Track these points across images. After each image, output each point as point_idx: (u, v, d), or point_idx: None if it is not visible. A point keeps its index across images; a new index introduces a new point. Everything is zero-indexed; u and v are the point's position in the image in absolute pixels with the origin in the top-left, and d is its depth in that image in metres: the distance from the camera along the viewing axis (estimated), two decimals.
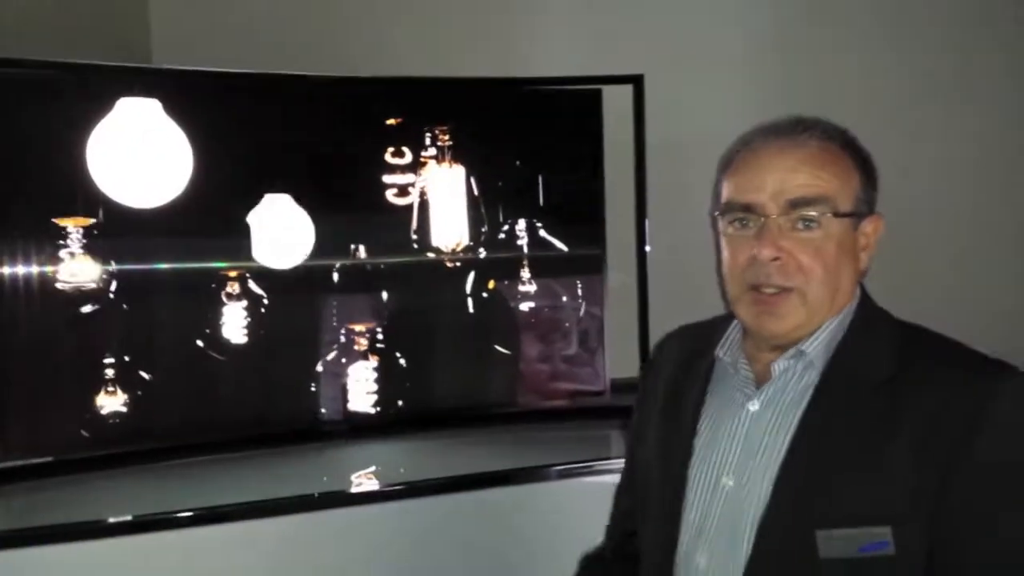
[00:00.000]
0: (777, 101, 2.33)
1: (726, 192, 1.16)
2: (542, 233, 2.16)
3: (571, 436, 2.09)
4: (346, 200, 2.05)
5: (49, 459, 1.80)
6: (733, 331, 1.21)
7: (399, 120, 2.06)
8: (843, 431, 1.04)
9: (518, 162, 2.14)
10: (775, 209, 1.09)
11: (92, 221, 1.82)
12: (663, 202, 2.23)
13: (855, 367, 1.08)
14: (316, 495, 1.73)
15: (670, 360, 1.29)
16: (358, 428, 2.07)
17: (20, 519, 1.66)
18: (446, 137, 2.09)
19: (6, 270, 1.76)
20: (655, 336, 2.09)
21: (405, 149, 2.07)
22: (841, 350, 1.10)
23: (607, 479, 1.73)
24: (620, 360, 2.19)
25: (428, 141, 2.08)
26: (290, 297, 2.00)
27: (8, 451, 1.76)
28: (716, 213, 1.17)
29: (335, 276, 2.04)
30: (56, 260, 1.80)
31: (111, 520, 1.61)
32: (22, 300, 1.77)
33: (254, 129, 1.97)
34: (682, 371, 1.25)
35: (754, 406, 1.11)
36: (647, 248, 2.19)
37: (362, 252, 2.05)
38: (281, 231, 1.98)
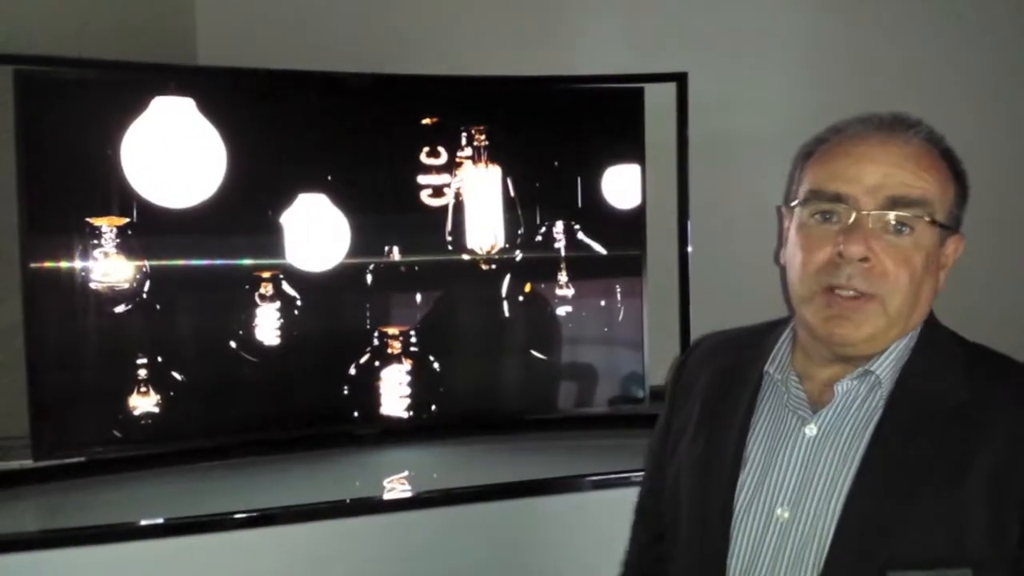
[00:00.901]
0: (822, 99, 2.29)
1: (812, 180, 1.05)
2: (580, 235, 2.10)
3: (609, 444, 2.02)
4: (381, 200, 2.00)
5: (81, 459, 1.78)
6: (783, 344, 1.11)
7: (436, 120, 2.01)
8: (914, 461, 0.95)
9: (556, 162, 2.07)
10: (871, 204, 0.99)
11: (126, 220, 1.79)
12: (706, 203, 2.16)
13: (925, 392, 0.99)
14: (347, 501, 1.69)
15: (707, 369, 1.18)
16: (389, 432, 2.03)
17: (53, 519, 1.65)
18: (483, 137, 2.03)
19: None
20: None
21: (442, 149, 2.02)
22: (909, 372, 1.01)
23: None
24: (660, 366, 2.12)
25: (465, 141, 2.03)
26: (324, 298, 1.96)
27: (45, 450, 1.74)
28: (793, 203, 1.07)
29: (368, 277, 2.00)
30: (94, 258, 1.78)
31: (136, 522, 1.58)
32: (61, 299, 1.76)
33: (291, 128, 1.94)
34: (722, 384, 1.14)
35: (811, 431, 1.02)
36: (689, 249, 2.12)
37: (396, 253, 2.01)
38: (315, 232, 1.94)
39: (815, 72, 2.31)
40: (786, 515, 1.00)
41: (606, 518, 1.71)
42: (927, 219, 1.00)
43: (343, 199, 1.96)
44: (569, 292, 2.11)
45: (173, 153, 1.82)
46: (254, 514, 1.63)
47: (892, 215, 1.00)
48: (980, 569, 0.91)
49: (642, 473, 1.58)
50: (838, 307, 1.01)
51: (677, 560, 1.11)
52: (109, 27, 2.05)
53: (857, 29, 2.30)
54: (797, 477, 1.01)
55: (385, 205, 2.00)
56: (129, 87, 1.80)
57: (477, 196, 2.05)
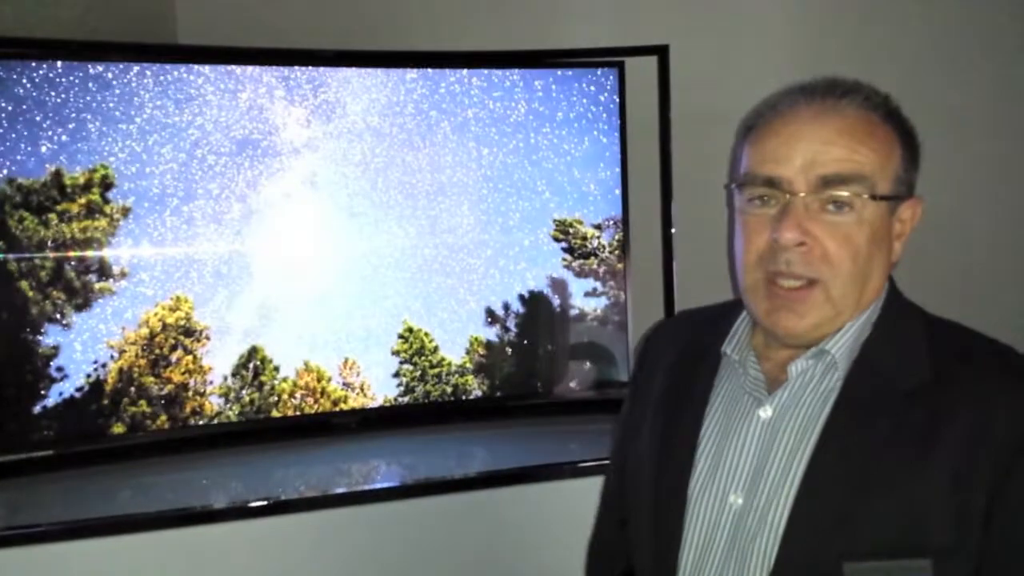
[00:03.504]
0: (810, 71, 2.20)
1: (746, 162, 1.00)
2: (560, 215, 2.04)
3: (593, 429, 1.97)
4: (356, 180, 1.96)
5: (48, 453, 1.75)
6: (741, 324, 1.06)
7: (409, 98, 1.96)
8: (871, 446, 0.89)
9: (534, 140, 2.02)
10: (803, 186, 0.94)
11: (122, 203, 1.78)
12: (690, 182, 2.09)
13: (884, 371, 0.93)
14: (331, 493, 1.67)
15: (669, 349, 1.14)
16: (371, 420, 1.98)
17: (14, 515, 1.62)
18: (460, 115, 1.98)
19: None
20: None
21: (417, 127, 1.97)
22: (867, 351, 0.95)
23: None
24: None
25: (443, 120, 1.98)
26: (312, 283, 1.92)
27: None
28: (733, 185, 1.02)
29: (350, 262, 1.95)
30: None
31: (104, 516, 1.55)
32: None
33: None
34: (682, 365, 1.10)
35: (766, 412, 0.97)
36: (673, 230, 2.06)
37: (377, 236, 1.96)
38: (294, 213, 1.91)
39: (803, 45, 2.23)
40: (740, 502, 0.95)
41: (590, 505, 1.68)
42: (867, 195, 0.94)
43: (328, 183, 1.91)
44: (551, 273, 2.05)
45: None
46: (233, 506, 1.61)
47: (828, 194, 0.95)
48: (941, 559, 0.85)
49: None
50: (780, 299, 0.97)
51: (638, 546, 1.06)
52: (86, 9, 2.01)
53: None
54: (751, 462, 0.96)
55: (359, 186, 1.96)
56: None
57: (455, 177, 1.99)
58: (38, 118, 1.73)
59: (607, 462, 1.67)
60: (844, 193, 0.94)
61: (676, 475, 1.01)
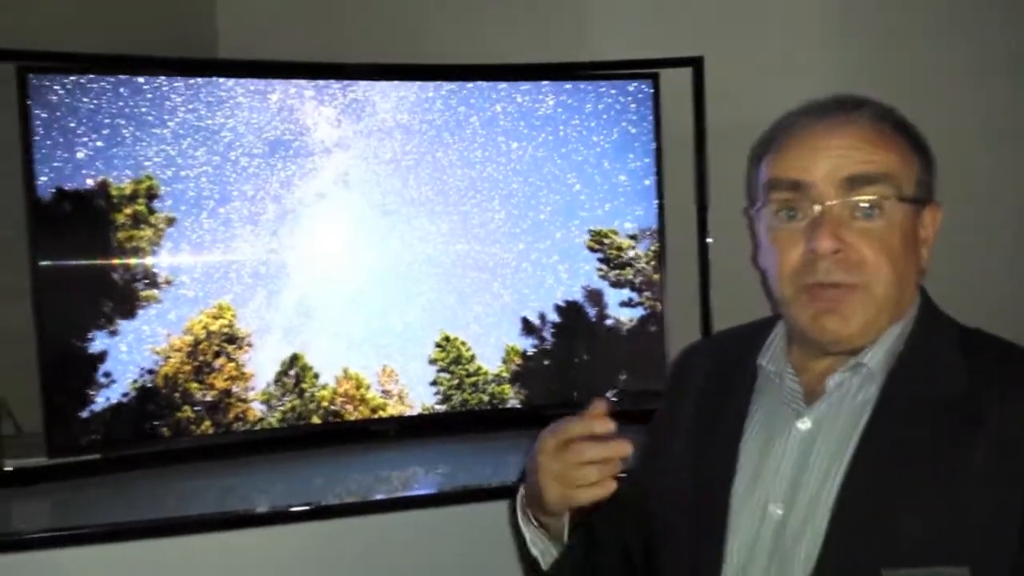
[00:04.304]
0: (847, 82, 2.18)
1: (768, 173, 1.01)
2: (595, 225, 2.06)
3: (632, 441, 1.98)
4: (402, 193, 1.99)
5: (96, 457, 1.80)
6: (776, 338, 1.07)
7: (448, 110, 1.99)
8: (909, 456, 0.90)
9: (570, 152, 2.04)
10: (831, 192, 0.95)
11: (166, 214, 1.83)
12: (726, 192, 2.09)
13: (920, 382, 0.94)
14: (365, 500, 1.69)
15: (700, 373, 1.14)
16: (409, 428, 2.01)
17: (65, 517, 1.66)
18: (493, 126, 2.01)
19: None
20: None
21: (457, 138, 2.00)
22: (903, 362, 0.96)
23: None
24: None
25: (474, 132, 2.00)
26: (348, 282, 1.96)
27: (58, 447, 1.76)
28: (756, 206, 1.03)
29: (402, 272, 1.99)
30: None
31: (151, 519, 1.59)
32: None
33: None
34: (717, 383, 1.10)
35: (804, 424, 0.98)
36: (708, 240, 2.06)
37: (412, 244, 2.00)
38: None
39: (842, 53, 2.22)
40: (779, 512, 0.96)
41: None
42: (894, 197, 0.96)
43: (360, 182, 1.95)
44: (586, 284, 2.07)
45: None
46: (275, 510, 1.63)
47: (856, 198, 0.96)
48: (979, 567, 0.85)
49: None
50: (824, 300, 0.97)
51: (672, 556, 1.06)
52: (125, 22, 2.07)
53: (886, 6, 2.21)
54: (790, 472, 0.97)
55: (405, 198, 1.99)
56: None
57: (492, 186, 2.02)
58: (72, 124, 1.77)
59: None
60: (872, 196, 0.95)
61: (716, 488, 1.02)
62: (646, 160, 2.06)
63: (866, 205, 0.95)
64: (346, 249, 1.98)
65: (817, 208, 0.96)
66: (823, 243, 0.95)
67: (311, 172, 1.95)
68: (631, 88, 2.05)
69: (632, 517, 1.11)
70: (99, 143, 1.79)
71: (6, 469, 1.68)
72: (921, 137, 1.02)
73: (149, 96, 1.83)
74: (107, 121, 1.80)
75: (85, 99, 1.78)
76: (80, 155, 1.78)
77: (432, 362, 2.02)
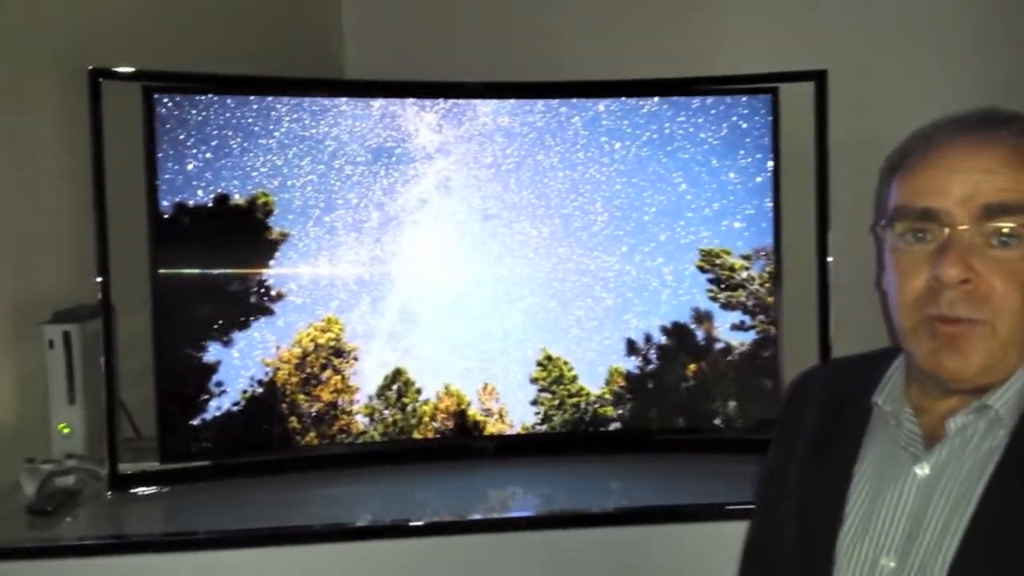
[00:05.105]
0: (979, 97, 2.04)
1: (897, 196, 0.94)
2: (706, 245, 1.98)
3: (738, 469, 1.89)
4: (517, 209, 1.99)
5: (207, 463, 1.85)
6: (894, 373, 0.99)
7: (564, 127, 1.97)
8: None
9: (679, 167, 1.98)
10: (965, 218, 0.87)
11: (280, 229, 1.88)
12: (848, 211, 1.99)
13: None
14: (464, 519, 1.68)
15: (814, 402, 1.07)
16: (509, 447, 1.98)
17: (176, 522, 1.73)
18: (611, 142, 1.97)
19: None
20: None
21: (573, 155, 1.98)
22: None
23: None
24: None
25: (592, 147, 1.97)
26: (451, 287, 1.97)
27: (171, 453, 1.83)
28: (882, 224, 0.96)
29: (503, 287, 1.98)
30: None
31: (253, 528, 1.62)
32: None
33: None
34: (831, 417, 1.03)
35: (923, 470, 0.90)
36: (829, 259, 1.95)
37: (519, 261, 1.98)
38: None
39: (975, 64, 2.08)
40: (892, 565, 0.88)
41: (735, 551, 1.61)
42: None
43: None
44: (695, 306, 1.99)
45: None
46: (375, 524, 1.65)
47: (991, 227, 0.87)
48: None
49: None
50: (943, 337, 0.89)
51: None
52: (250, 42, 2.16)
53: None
54: (905, 522, 0.89)
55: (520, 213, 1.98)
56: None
57: (603, 204, 1.98)
58: (191, 140, 1.83)
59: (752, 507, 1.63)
60: (1011, 224, 0.86)
61: (823, 533, 0.95)
62: (763, 177, 1.97)
63: (1005, 231, 0.87)
64: (448, 254, 1.98)
65: (947, 231, 0.88)
66: (950, 271, 0.87)
67: (413, 179, 1.96)
68: (748, 103, 1.98)
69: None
70: (212, 155, 1.85)
71: (122, 472, 1.75)
72: None
73: (259, 110, 1.88)
74: (226, 135, 1.86)
75: (203, 116, 1.84)
76: (197, 168, 1.83)
77: (533, 381, 1.99)
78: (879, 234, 1.00)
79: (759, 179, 1.97)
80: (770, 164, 1.97)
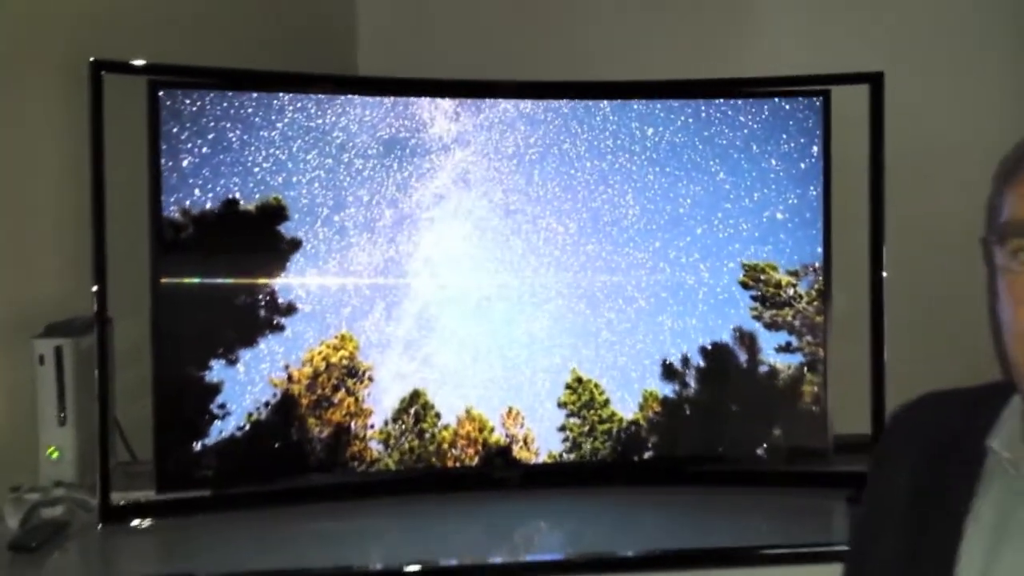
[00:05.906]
0: None
1: (1008, 210, 0.84)
2: (750, 259, 1.84)
3: (782, 505, 1.75)
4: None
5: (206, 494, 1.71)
6: (1011, 413, 0.87)
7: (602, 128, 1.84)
8: None
9: (730, 174, 1.84)
10: None
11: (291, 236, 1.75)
12: (903, 221, 1.85)
13: None
14: (483, 563, 1.54)
15: (914, 444, 0.95)
16: (534, 476, 1.83)
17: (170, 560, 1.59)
18: (653, 146, 1.84)
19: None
20: (893, 383, 1.73)
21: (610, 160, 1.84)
22: None
23: (828, 569, 1.37)
24: (846, 414, 1.82)
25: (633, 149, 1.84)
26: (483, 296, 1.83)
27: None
28: (991, 239, 0.84)
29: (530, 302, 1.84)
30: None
31: (251, 570, 1.48)
32: None
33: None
34: (935, 461, 0.91)
35: None
36: (884, 274, 1.80)
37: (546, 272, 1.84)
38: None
39: None
40: None
41: None
42: None
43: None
44: (738, 325, 1.85)
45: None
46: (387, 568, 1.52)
47: None
48: None
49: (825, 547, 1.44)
50: None
51: None
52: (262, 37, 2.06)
53: None
54: None
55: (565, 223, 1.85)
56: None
57: (641, 212, 1.85)
58: (188, 135, 1.69)
59: (803, 549, 1.49)
60: None
61: None
62: (812, 187, 1.83)
63: None
64: (468, 254, 1.83)
65: None
66: None
67: (428, 172, 1.81)
68: (796, 106, 1.84)
69: None
70: (221, 156, 1.72)
71: (114, 504, 1.61)
72: None
73: (269, 107, 1.75)
74: (233, 133, 1.72)
75: (213, 113, 1.71)
76: (200, 169, 1.70)
77: (561, 405, 1.85)
78: (990, 249, 0.87)
79: (812, 190, 1.83)
80: (820, 171, 1.83)
